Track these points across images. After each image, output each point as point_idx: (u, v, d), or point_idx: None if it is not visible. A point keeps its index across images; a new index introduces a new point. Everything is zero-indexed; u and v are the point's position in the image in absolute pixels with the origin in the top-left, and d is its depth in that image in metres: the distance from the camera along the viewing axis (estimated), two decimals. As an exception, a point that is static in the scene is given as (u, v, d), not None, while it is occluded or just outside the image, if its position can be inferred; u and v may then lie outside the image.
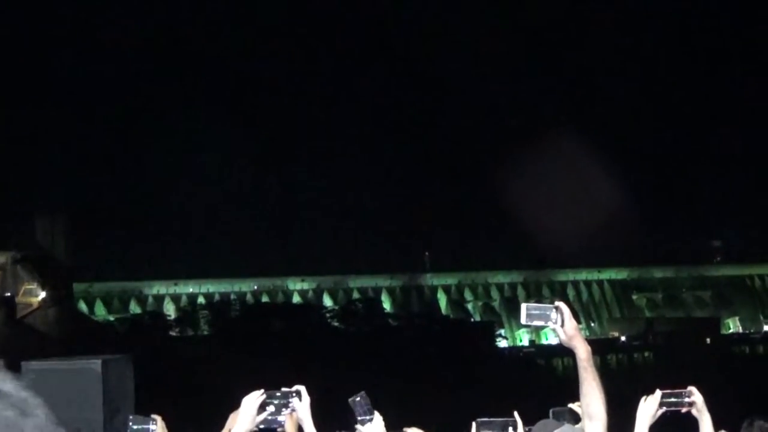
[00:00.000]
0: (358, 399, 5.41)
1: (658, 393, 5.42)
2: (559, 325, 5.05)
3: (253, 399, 5.26)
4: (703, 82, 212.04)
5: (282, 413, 5.30)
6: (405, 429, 6.24)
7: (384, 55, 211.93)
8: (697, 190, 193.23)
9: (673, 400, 5.43)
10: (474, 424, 5.32)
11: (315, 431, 5.32)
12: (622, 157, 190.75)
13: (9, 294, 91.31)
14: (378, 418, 5.42)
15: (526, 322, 5.12)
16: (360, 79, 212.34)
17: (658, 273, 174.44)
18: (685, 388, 5.47)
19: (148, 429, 5.99)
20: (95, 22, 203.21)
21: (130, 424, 6.00)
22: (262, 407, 5.26)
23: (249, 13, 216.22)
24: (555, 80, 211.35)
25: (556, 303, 5.11)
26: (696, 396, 5.44)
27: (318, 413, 5.43)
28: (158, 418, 6.08)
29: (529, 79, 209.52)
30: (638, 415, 5.40)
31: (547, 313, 5.07)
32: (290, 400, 5.30)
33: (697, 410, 5.44)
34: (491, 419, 5.37)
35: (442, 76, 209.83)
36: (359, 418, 5.38)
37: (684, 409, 5.45)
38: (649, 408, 5.41)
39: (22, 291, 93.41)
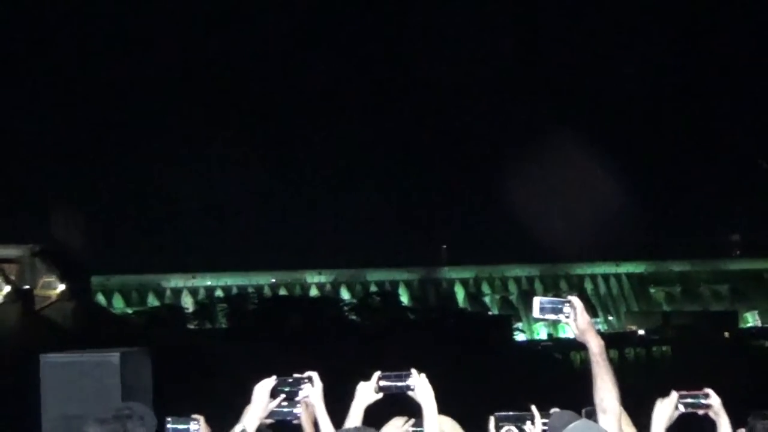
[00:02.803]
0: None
1: (675, 394, 5.41)
2: (571, 320, 5.08)
3: (264, 385, 5.30)
4: (714, 74, 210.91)
5: (295, 400, 5.32)
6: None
7: (396, 56, 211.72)
8: (716, 183, 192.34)
9: (689, 401, 5.40)
10: (492, 418, 5.35)
11: (327, 417, 5.34)
12: (640, 150, 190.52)
13: (27, 287, 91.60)
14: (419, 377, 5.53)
15: (539, 315, 5.16)
16: (375, 76, 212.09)
17: (676, 267, 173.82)
18: (702, 389, 5.45)
19: (188, 430, 5.40)
20: (100, 24, 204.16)
21: (168, 425, 5.41)
22: (273, 394, 5.30)
23: (250, 13, 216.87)
24: (558, 76, 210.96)
25: (569, 297, 5.15)
26: (713, 398, 5.41)
27: (336, 407, 5.45)
28: (200, 418, 5.49)
29: (532, 76, 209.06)
30: (654, 417, 5.39)
31: (560, 306, 5.11)
32: (302, 386, 5.33)
33: (715, 413, 5.41)
34: (509, 413, 5.39)
35: (452, 72, 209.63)
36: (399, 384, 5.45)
37: (701, 411, 5.42)
38: (665, 410, 5.40)
39: (40, 284, 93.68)
